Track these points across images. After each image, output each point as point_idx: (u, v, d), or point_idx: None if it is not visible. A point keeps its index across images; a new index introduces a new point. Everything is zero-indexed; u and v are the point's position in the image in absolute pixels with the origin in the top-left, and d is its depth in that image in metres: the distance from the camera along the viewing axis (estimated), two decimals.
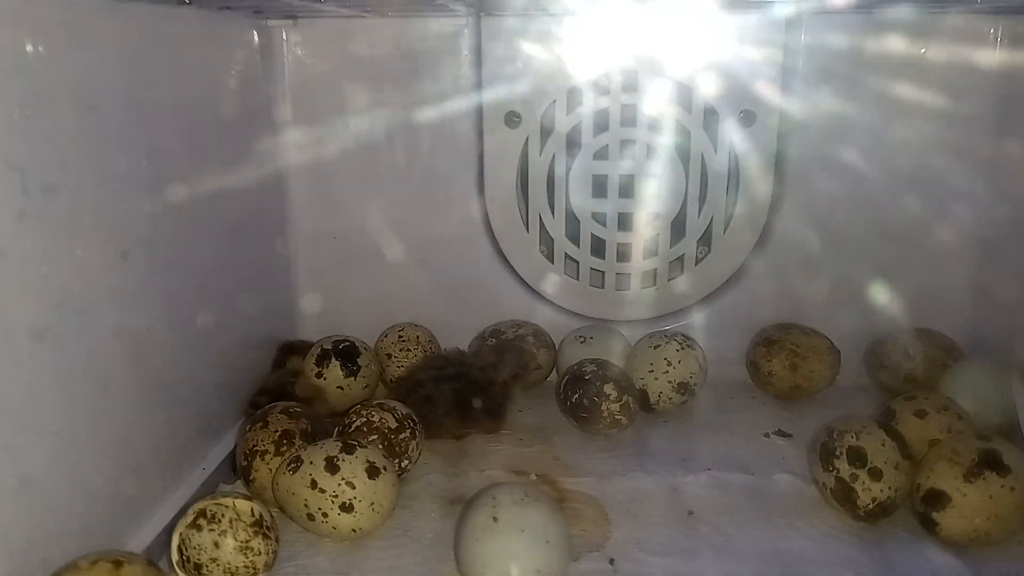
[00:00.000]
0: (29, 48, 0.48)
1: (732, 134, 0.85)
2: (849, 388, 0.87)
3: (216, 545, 0.55)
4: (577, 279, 0.90)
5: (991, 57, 0.82)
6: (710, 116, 0.85)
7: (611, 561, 0.60)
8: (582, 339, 0.86)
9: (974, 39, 0.82)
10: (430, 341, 0.87)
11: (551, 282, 0.90)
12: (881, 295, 0.87)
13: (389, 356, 0.85)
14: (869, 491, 0.63)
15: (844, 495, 0.64)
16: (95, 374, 0.55)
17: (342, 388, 0.80)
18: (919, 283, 0.88)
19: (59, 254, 0.52)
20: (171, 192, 0.64)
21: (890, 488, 0.63)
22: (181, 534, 0.56)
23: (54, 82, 0.51)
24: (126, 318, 0.59)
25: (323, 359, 0.81)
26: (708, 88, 0.84)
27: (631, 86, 0.84)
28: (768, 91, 0.84)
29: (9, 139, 0.47)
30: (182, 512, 0.58)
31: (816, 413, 0.81)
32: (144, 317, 0.61)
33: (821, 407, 0.83)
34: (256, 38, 0.80)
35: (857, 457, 0.63)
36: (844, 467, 0.64)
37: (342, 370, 0.80)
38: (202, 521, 0.55)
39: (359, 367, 0.81)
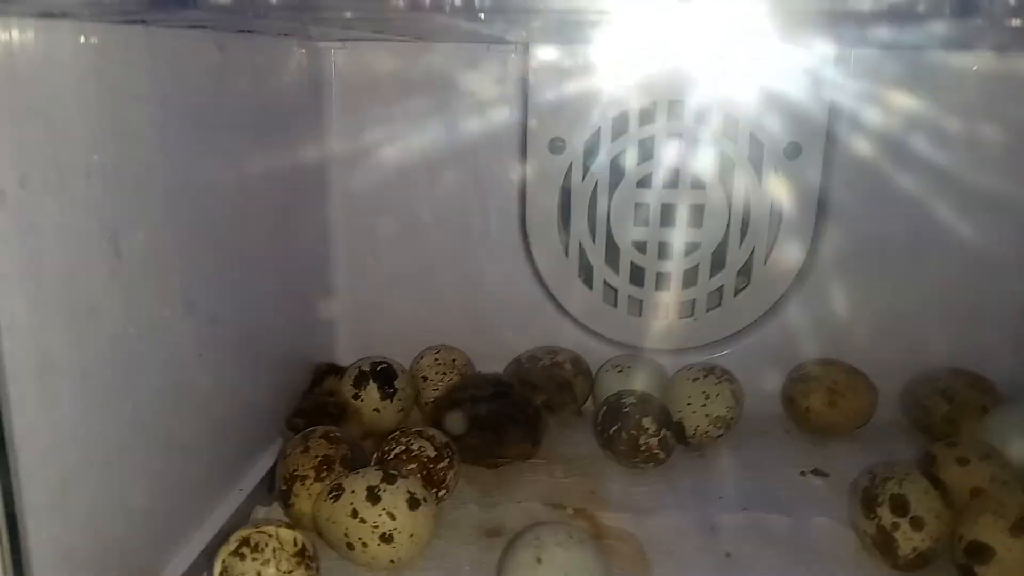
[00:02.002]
0: (105, 78, 0.49)
1: (777, 166, 0.84)
2: (885, 427, 0.85)
3: (259, 575, 0.55)
4: (615, 307, 0.90)
5: None
6: (755, 147, 0.84)
7: None
8: (619, 368, 0.86)
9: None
10: (466, 364, 0.87)
11: (589, 309, 0.90)
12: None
13: (425, 379, 0.85)
14: (910, 541, 0.62)
15: (884, 544, 0.63)
16: (142, 401, 0.55)
17: (378, 411, 0.80)
18: (960, 323, 0.87)
19: (129, 302, 0.52)
20: (219, 208, 0.64)
21: (931, 538, 0.62)
22: (224, 562, 0.56)
23: (130, 121, 0.52)
24: (176, 347, 0.59)
25: (360, 380, 0.81)
26: (754, 119, 0.83)
27: (677, 115, 0.84)
28: (814, 124, 0.83)
29: (100, 198, 0.48)
30: (220, 535, 0.58)
31: (852, 451, 0.81)
32: (192, 342, 0.61)
33: (857, 445, 0.82)
34: (306, 59, 0.80)
35: (899, 505, 0.63)
36: (886, 515, 0.63)
37: (379, 392, 0.80)
38: (245, 549, 0.55)
39: (396, 389, 0.81)
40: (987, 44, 0.77)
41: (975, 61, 0.81)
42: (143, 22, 0.52)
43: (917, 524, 0.62)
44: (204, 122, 0.61)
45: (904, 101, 0.82)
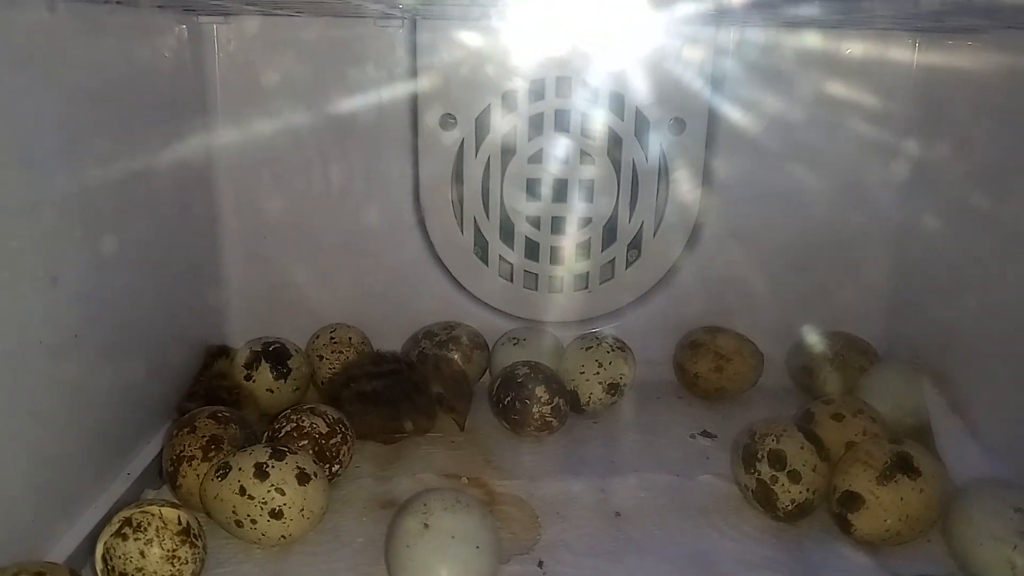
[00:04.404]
0: None
1: (662, 141, 0.87)
2: (772, 389, 0.89)
3: (142, 554, 0.54)
4: (511, 281, 0.91)
5: (911, 66, 0.85)
6: (641, 123, 0.86)
7: (540, 563, 0.61)
8: (515, 341, 0.87)
9: (895, 46, 0.85)
10: (363, 342, 0.87)
11: (485, 284, 0.91)
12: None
13: (321, 358, 0.84)
14: (788, 493, 0.65)
15: (764, 496, 0.66)
16: (14, 383, 0.53)
17: (272, 391, 0.79)
18: (839, 288, 0.91)
19: None
20: (96, 189, 0.63)
21: (808, 490, 0.65)
22: (106, 543, 0.55)
23: None
24: (51, 323, 0.57)
25: (253, 361, 0.80)
26: (640, 96, 0.85)
27: (565, 91, 0.85)
28: (698, 100, 0.86)
29: None
30: (107, 520, 0.57)
31: (740, 414, 0.84)
32: (69, 321, 0.59)
33: (745, 408, 0.86)
34: (186, 34, 0.78)
35: (777, 460, 0.66)
36: (765, 469, 0.66)
37: (272, 372, 0.79)
38: (127, 530, 0.55)
39: (290, 369, 0.80)
40: (854, 25, 0.81)
41: (855, 34, 0.85)
42: None
43: (794, 477, 0.65)
44: (69, 98, 0.59)
45: (785, 76, 0.85)
